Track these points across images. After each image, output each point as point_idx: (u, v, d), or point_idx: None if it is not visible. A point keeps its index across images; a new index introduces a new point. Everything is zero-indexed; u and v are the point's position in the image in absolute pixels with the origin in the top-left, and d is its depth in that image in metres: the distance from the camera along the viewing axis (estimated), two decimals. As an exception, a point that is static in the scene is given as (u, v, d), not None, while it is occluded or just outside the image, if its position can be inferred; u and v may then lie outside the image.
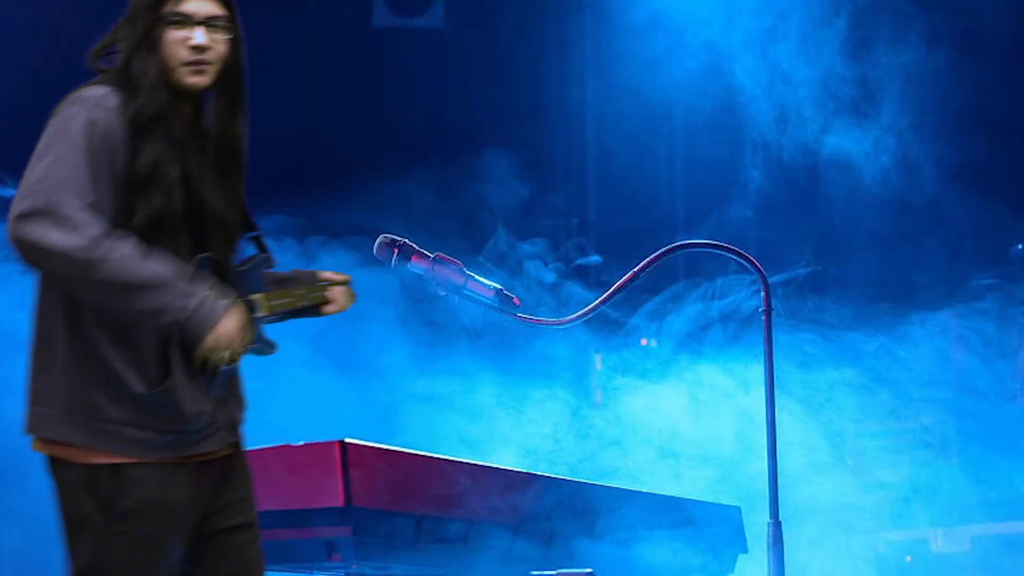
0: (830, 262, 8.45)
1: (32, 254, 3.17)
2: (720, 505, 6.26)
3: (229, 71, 3.32)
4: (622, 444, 7.47)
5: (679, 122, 9.24)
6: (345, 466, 4.58)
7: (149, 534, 3.21)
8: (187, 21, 3.26)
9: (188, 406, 3.23)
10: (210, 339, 3.18)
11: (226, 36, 3.30)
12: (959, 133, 8.16)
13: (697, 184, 9.08)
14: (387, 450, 4.74)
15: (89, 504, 3.24)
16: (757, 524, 5.69)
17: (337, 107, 8.85)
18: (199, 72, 3.28)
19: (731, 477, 7.20)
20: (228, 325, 3.21)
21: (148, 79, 3.26)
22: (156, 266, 3.13)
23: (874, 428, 8.02)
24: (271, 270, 3.64)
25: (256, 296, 3.47)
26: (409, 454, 4.81)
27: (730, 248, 4.94)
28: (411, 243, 4.29)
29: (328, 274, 3.68)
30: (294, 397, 7.29)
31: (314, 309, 3.66)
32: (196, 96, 3.34)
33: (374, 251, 4.31)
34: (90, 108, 3.28)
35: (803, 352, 7.49)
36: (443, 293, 4.35)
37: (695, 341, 7.69)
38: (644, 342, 8.09)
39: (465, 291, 4.36)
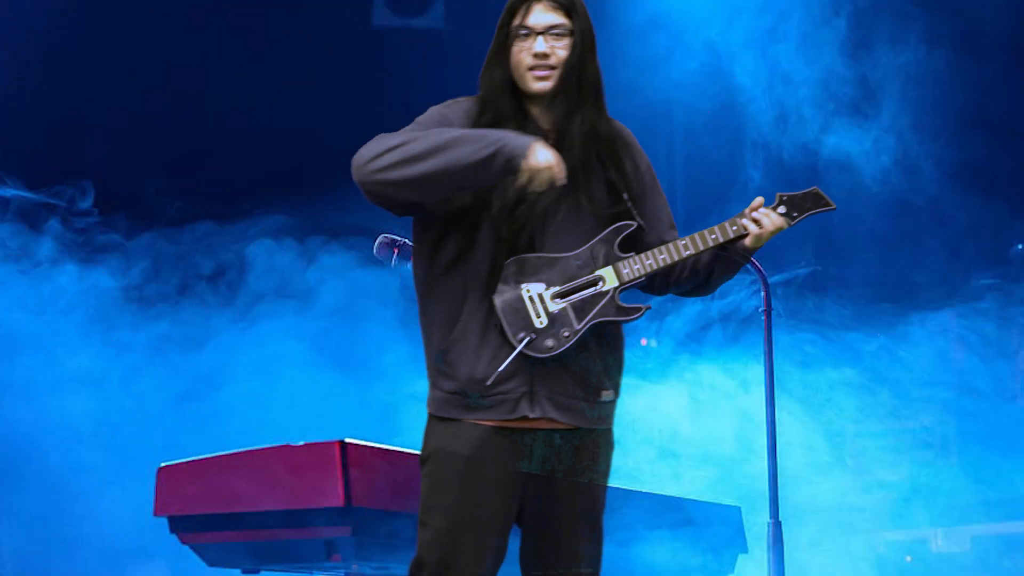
0: (830, 262, 8.44)
1: (376, 183, 3.46)
2: (720, 505, 6.25)
3: (569, 74, 3.59)
4: (622, 444, 7.45)
5: (679, 122, 9.23)
6: (345, 466, 4.58)
7: (443, 482, 3.50)
8: (531, 32, 3.57)
9: (463, 371, 3.49)
10: (529, 162, 3.37)
11: (567, 41, 3.58)
12: (959, 133, 8.16)
13: (697, 184, 9.08)
14: (387, 450, 4.74)
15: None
16: (757, 524, 5.69)
17: (337, 107, 8.84)
18: (542, 78, 3.56)
19: (731, 477, 7.20)
20: (541, 149, 3.39)
21: (494, 90, 3.58)
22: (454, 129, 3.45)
23: (874, 428, 8.02)
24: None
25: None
26: (409, 454, 4.81)
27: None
28: (411, 243, 4.30)
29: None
30: (294, 397, 7.30)
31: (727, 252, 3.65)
32: (543, 99, 3.60)
33: (374, 251, 4.31)
34: (444, 104, 3.64)
35: (803, 352, 7.49)
36: (443, 293, 4.34)
37: (695, 341, 7.70)
38: (644, 342, 8.09)
39: (465, 291, 4.35)
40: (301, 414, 7.15)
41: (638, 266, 3.55)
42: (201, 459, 4.86)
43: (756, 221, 3.64)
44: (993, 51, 8.34)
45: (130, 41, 8.56)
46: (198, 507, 4.83)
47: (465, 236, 3.53)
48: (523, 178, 3.38)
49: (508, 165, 3.37)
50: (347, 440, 4.63)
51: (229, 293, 7.76)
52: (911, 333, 7.77)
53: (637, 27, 8.74)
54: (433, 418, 3.58)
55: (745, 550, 6.28)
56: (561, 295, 3.50)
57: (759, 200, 3.68)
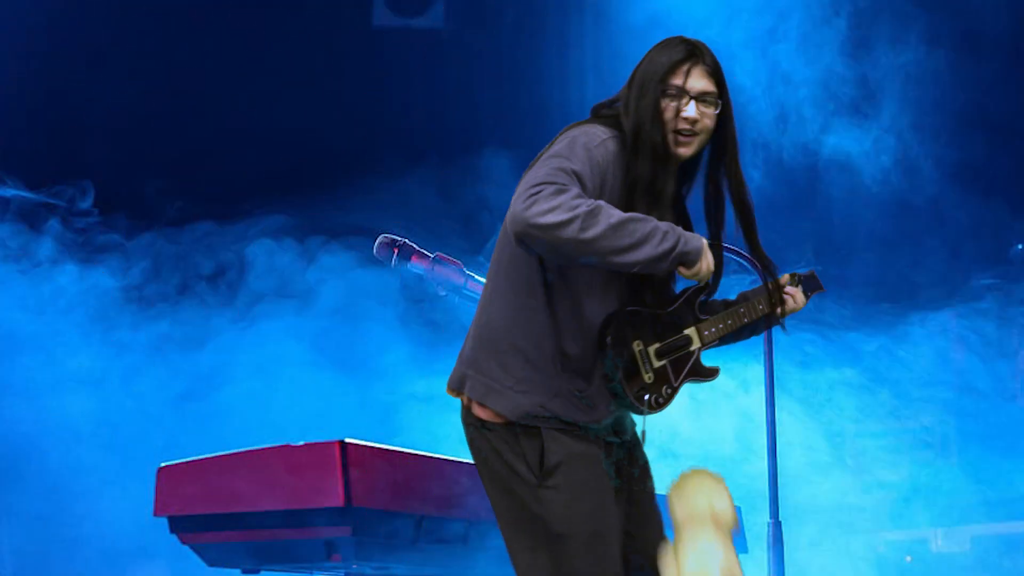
0: (830, 262, 8.43)
1: (538, 243, 3.44)
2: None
3: (716, 144, 3.80)
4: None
5: (679, 122, 9.22)
6: (345, 466, 4.58)
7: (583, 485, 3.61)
8: (683, 94, 3.64)
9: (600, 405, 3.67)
10: (701, 265, 3.57)
11: (714, 111, 3.72)
12: (959, 133, 8.16)
13: (697, 184, 9.06)
14: (387, 450, 4.74)
15: None
16: (757, 524, 5.69)
17: (337, 107, 8.84)
18: (685, 144, 3.69)
19: (731, 477, 7.17)
20: (709, 253, 3.62)
21: (651, 149, 3.61)
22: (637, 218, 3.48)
23: (874, 428, 8.02)
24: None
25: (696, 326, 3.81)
26: (409, 454, 4.81)
27: (730, 248, 4.94)
28: (411, 243, 4.30)
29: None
30: (294, 397, 7.29)
31: (762, 321, 3.98)
32: (678, 162, 3.72)
33: (374, 251, 4.31)
34: (590, 143, 3.59)
35: (803, 352, 7.49)
36: (443, 293, 4.36)
37: (695, 341, 7.68)
38: (644, 342, 8.08)
39: (465, 291, 4.38)
40: (301, 414, 7.14)
41: (714, 330, 3.80)
42: (201, 459, 4.86)
43: (791, 296, 4.01)
44: (993, 51, 8.34)
45: (130, 41, 8.56)
46: (198, 507, 4.82)
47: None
48: (687, 274, 3.57)
49: (678, 261, 3.53)
50: (347, 440, 4.63)
51: (229, 293, 7.76)
52: (911, 333, 7.77)
53: (637, 27, 8.74)
54: (544, 425, 3.60)
55: (745, 550, 6.27)
56: (662, 353, 3.69)
57: (786, 277, 4.06)
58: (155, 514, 4.92)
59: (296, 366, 7.34)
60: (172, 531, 4.92)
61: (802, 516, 6.97)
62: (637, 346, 3.63)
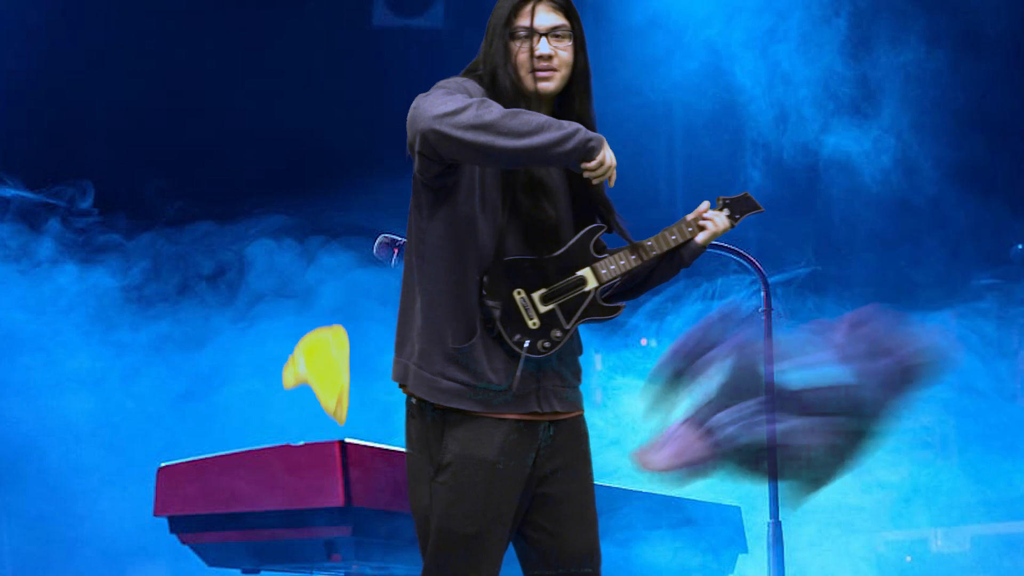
0: (830, 262, 8.44)
1: (440, 136, 3.44)
2: (720, 505, 6.25)
3: (575, 76, 3.68)
4: (622, 444, 7.47)
5: (679, 122, 9.23)
6: (345, 466, 4.58)
7: (471, 488, 3.54)
8: (532, 33, 3.64)
9: (481, 368, 3.55)
10: (604, 154, 3.47)
11: (568, 43, 3.68)
12: (959, 133, 8.16)
13: (697, 184, 9.08)
14: (387, 450, 4.74)
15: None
16: (757, 524, 5.69)
17: (337, 107, 8.85)
18: (546, 79, 3.64)
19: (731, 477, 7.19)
20: (609, 152, 3.50)
21: (504, 88, 3.62)
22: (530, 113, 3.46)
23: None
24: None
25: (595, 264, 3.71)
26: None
27: (730, 248, 4.95)
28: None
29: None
30: (294, 397, 7.28)
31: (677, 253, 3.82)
32: (550, 101, 3.68)
33: (374, 251, 4.31)
34: (462, 79, 3.71)
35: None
36: (443, 293, 4.34)
37: (695, 341, 7.68)
38: (644, 342, 8.09)
39: (465, 291, 4.35)
40: (301, 414, 7.13)
41: (614, 267, 3.70)
42: (201, 459, 4.86)
43: (709, 220, 3.81)
44: (993, 51, 8.34)
45: (130, 41, 8.56)
46: (198, 507, 4.83)
47: (471, 218, 3.58)
48: (592, 165, 3.47)
49: (582, 150, 3.46)
50: (347, 440, 4.63)
51: (229, 293, 7.76)
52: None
53: (637, 27, 8.75)
54: (440, 411, 3.60)
55: (745, 550, 6.27)
56: (548, 297, 3.62)
57: (706, 204, 3.83)
58: (155, 514, 4.92)
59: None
60: (172, 531, 4.92)
61: (802, 516, 6.96)
62: (518, 294, 3.59)
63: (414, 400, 3.65)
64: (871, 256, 8.54)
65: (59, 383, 7.30)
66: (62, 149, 8.25)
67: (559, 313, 3.63)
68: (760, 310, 4.98)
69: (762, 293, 4.99)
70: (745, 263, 4.96)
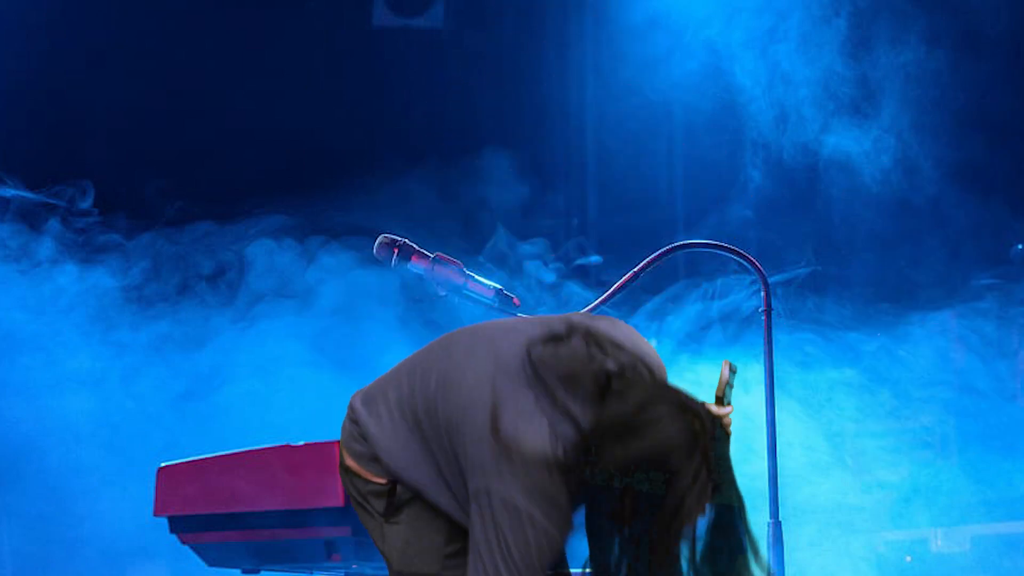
0: (830, 262, 8.44)
1: None
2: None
3: None
4: (622, 444, 7.46)
5: (679, 122, 9.23)
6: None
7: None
8: None
9: None
10: None
11: None
12: (959, 133, 8.15)
13: (697, 184, 9.08)
14: (387, 450, 4.73)
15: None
16: (757, 524, 5.69)
17: (337, 107, 8.85)
18: None
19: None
20: None
21: None
22: None
23: (874, 428, 8.01)
24: None
25: None
26: (409, 454, 4.81)
27: (730, 248, 4.95)
28: (411, 243, 4.30)
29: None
30: (294, 397, 7.29)
31: None
32: None
33: (374, 251, 4.31)
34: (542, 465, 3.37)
35: (803, 352, 7.49)
36: (443, 293, 4.35)
37: (695, 341, 7.69)
38: (644, 342, 8.07)
39: (465, 291, 4.37)
40: (301, 414, 7.14)
41: None
42: (201, 459, 4.86)
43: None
44: (993, 51, 8.34)
45: (130, 41, 8.56)
46: (198, 507, 4.82)
47: None
48: None
49: None
50: (347, 440, 4.62)
51: (229, 293, 7.77)
52: (911, 333, 7.76)
53: (637, 27, 8.75)
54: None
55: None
56: None
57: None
58: (155, 514, 4.92)
59: (296, 366, 7.34)
60: (172, 531, 4.92)
61: (802, 516, 6.97)
62: None
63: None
64: (871, 256, 8.54)
65: (59, 383, 7.30)
66: (62, 149, 8.25)
67: None
68: (760, 310, 4.98)
69: (762, 293, 4.98)
70: (745, 263, 4.96)
